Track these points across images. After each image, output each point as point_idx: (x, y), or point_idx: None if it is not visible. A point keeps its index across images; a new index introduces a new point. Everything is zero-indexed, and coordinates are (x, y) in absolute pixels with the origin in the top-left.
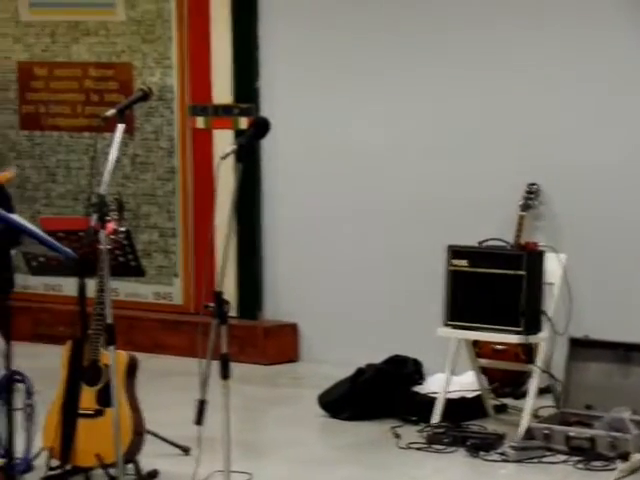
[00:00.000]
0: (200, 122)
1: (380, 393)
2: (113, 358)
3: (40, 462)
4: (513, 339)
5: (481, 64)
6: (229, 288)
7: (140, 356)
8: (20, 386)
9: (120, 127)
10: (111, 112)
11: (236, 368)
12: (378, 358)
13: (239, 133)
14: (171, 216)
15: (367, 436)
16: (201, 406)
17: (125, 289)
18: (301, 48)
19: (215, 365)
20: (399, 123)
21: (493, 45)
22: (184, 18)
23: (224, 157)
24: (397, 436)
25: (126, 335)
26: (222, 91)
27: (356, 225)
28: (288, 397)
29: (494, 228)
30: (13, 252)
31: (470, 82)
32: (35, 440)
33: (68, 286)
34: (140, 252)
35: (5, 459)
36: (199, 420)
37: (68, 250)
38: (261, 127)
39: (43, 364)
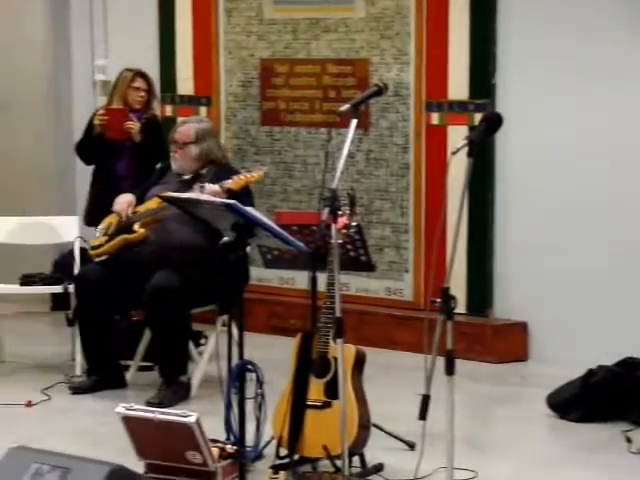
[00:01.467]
0: (435, 118)
1: (611, 395)
2: (341, 351)
3: (269, 451)
4: None
5: None
6: (459, 285)
7: (369, 350)
8: (252, 375)
9: (353, 122)
10: (345, 107)
11: (463, 365)
12: (610, 360)
13: (473, 129)
14: (404, 212)
15: (596, 438)
16: (425, 401)
17: (356, 284)
18: (538, 44)
19: (441, 361)
20: (636, 122)
21: None
22: (423, 14)
23: (454, 152)
24: (629, 440)
25: (356, 330)
26: (458, 87)
27: (589, 223)
28: (515, 396)
29: None
30: (249, 245)
31: None
32: (265, 429)
33: (301, 279)
34: (372, 247)
35: (237, 446)
36: (423, 415)
37: (301, 244)
38: (493, 122)
39: (276, 355)
